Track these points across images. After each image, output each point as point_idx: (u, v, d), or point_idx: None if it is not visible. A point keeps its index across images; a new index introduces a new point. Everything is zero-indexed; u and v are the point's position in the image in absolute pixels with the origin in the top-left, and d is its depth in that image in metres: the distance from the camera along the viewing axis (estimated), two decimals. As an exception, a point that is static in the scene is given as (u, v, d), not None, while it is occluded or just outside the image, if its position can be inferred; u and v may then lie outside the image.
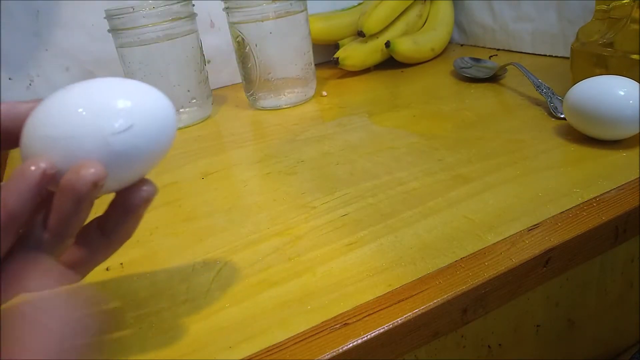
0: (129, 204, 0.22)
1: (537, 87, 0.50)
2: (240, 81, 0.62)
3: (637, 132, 0.38)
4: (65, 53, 0.63)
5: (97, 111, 0.20)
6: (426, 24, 0.75)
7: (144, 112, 0.21)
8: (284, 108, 0.60)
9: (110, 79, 0.22)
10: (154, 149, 0.22)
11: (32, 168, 0.19)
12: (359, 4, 0.76)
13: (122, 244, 0.23)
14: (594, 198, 0.32)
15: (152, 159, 0.22)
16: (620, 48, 0.45)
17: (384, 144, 0.45)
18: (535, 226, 0.30)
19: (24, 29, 0.61)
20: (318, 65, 0.67)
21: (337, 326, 0.24)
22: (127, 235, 0.23)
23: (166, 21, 0.54)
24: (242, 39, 0.57)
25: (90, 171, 0.19)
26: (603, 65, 0.46)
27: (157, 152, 0.22)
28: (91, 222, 0.23)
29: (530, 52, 0.68)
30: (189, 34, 0.56)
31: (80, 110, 0.20)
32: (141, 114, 0.21)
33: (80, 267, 0.23)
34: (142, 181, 0.23)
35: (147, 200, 0.23)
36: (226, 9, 0.57)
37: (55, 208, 0.20)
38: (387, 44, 0.68)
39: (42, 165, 0.19)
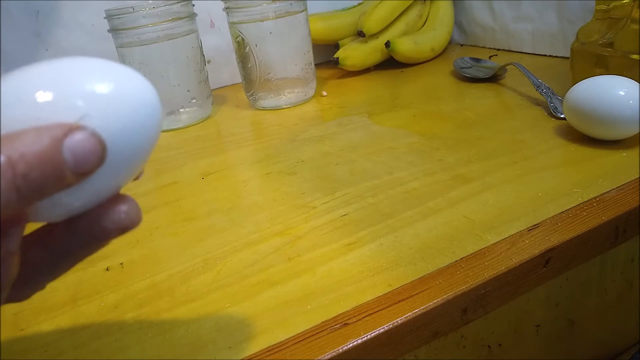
0: (97, 230, 0.17)
1: (537, 87, 0.50)
2: (240, 81, 0.62)
3: (637, 132, 0.38)
4: (65, 53, 0.63)
5: (57, 98, 0.15)
6: (426, 24, 0.75)
7: (122, 100, 0.16)
8: (284, 108, 0.60)
9: (78, 59, 0.16)
10: (135, 147, 0.16)
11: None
12: (359, 4, 0.76)
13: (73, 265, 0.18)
14: (594, 198, 0.32)
15: (131, 163, 0.17)
16: (620, 48, 0.45)
17: (384, 144, 0.45)
18: (535, 226, 0.30)
19: (24, 29, 0.61)
20: (318, 65, 0.67)
21: (337, 326, 0.24)
22: (79, 261, 0.18)
23: (166, 21, 0.54)
24: (242, 39, 0.57)
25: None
26: (603, 65, 0.46)
27: (139, 152, 0.17)
28: (32, 235, 0.17)
29: (530, 52, 0.68)
30: (189, 34, 0.56)
31: (36, 96, 0.15)
32: (117, 103, 0.16)
33: (22, 287, 0.18)
34: (119, 198, 0.17)
35: (126, 228, 0.17)
36: (226, 9, 0.57)
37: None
38: (387, 44, 0.68)
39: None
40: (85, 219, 0.17)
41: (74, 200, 0.16)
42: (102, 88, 0.16)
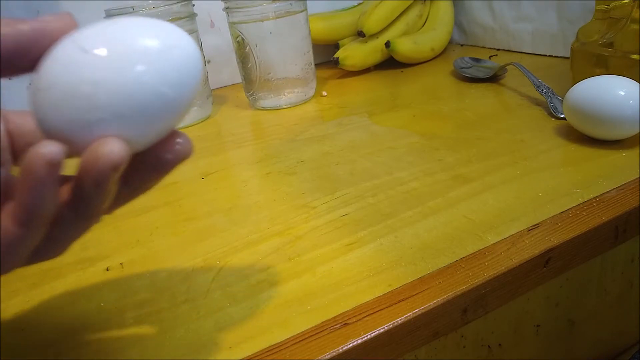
0: (159, 162, 0.20)
1: (537, 87, 0.50)
2: (240, 81, 0.62)
3: (637, 132, 0.38)
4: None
5: (113, 56, 0.18)
6: (426, 24, 0.75)
7: (166, 52, 0.19)
8: (284, 108, 0.60)
9: (126, 20, 0.19)
10: (180, 94, 0.19)
11: (37, 161, 0.17)
12: (359, 4, 0.76)
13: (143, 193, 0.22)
14: (594, 198, 0.32)
15: (178, 106, 0.19)
16: (620, 48, 0.45)
17: (384, 144, 0.45)
18: (535, 226, 0.30)
19: (24, 29, 0.61)
20: (318, 65, 0.67)
21: (337, 326, 0.24)
22: (150, 187, 0.21)
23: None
24: (242, 39, 0.57)
25: (109, 151, 0.17)
26: (603, 65, 0.46)
27: (184, 97, 0.19)
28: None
29: (530, 52, 0.68)
30: (188, 34, 0.56)
31: (96, 54, 0.18)
32: (163, 55, 0.19)
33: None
34: (174, 134, 0.20)
35: (183, 157, 0.20)
36: (226, 9, 0.57)
37: (76, 190, 0.18)
38: (387, 44, 0.68)
39: (47, 157, 0.17)
40: (150, 155, 0.20)
41: (145, 138, 0.19)
42: (154, 43, 0.19)
